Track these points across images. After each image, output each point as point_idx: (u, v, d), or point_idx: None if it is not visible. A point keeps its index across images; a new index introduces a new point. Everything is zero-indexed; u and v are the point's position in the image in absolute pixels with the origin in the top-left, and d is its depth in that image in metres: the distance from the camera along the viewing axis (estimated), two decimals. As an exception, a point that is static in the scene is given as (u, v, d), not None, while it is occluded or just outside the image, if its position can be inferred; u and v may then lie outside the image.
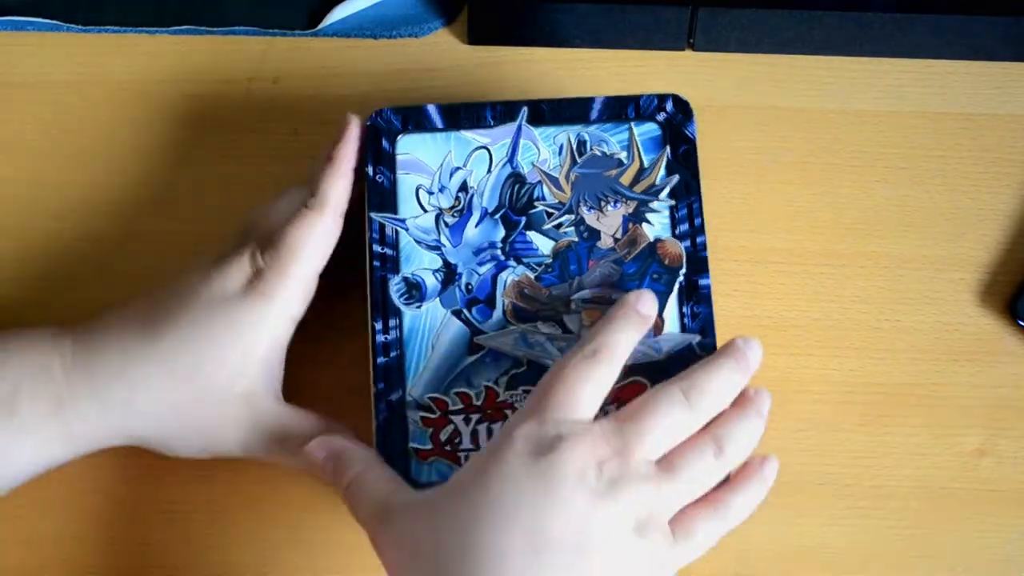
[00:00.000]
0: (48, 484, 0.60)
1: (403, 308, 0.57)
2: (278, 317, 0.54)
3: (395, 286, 0.57)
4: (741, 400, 0.53)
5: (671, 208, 0.58)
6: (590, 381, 0.51)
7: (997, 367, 0.63)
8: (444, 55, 0.68)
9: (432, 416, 0.55)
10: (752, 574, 0.60)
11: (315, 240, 0.55)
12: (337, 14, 0.68)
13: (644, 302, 0.54)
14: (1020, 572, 0.60)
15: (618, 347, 0.52)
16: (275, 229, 0.55)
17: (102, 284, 0.63)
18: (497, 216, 0.58)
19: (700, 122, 0.67)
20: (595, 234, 0.58)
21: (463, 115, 0.59)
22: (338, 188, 0.56)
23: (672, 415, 0.51)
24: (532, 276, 0.57)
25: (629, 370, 0.55)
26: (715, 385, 0.52)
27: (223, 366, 0.53)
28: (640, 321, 0.54)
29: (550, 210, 0.58)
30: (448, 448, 0.55)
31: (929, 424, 0.62)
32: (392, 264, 0.57)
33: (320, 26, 0.68)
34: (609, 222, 0.58)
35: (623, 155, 0.59)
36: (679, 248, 0.57)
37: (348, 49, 0.68)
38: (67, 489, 0.60)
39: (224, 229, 0.59)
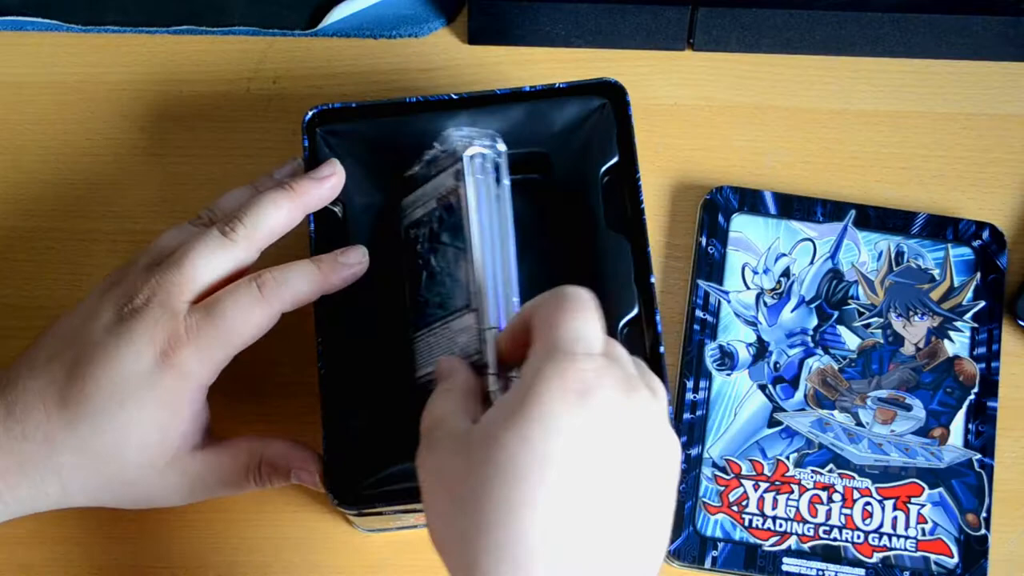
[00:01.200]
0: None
1: (715, 372, 0.61)
2: (194, 390, 0.52)
3: (711, 351, 0.61)
4: None
5: (973, 330, 0.62)
6: (587, 308, 0.46)
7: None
8: (444, 55, 0.68)
9: (725, 476, 0.60)
10: (752, 574, 0.60)
11: (249, 316, 0.52)
12: (337, 14, 0.68)
13: None
14: (1020, 572, 0.60)
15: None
16: (197, 281, 0.53)
17: (102, 284, 0.63)
18: (813, 306, 0.62)
19: (699, 121, 0.67)
20: (899, 340, 0.62)
21: (796, 206, 0.64)
22: (300, 285, 0.54)
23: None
24: (836, 367, 0.61)
25: (906, 472, 0.59)
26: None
27: (144, 447, 0.52)
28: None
29: (862, 309, 0.62)
30: (735, 508, 0.59)
31: (929, 424, 0.62)
32: (711, 331, 0.62)
33: (320, 26, 0.68)
34: (914, 331, 0.62)
35: (936, 272, 0.63)
36: (975, 369, 0.61)
37: (348, 49, 0.68)
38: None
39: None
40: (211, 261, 0.53)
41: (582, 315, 0.45)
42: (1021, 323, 0.63)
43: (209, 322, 0.52)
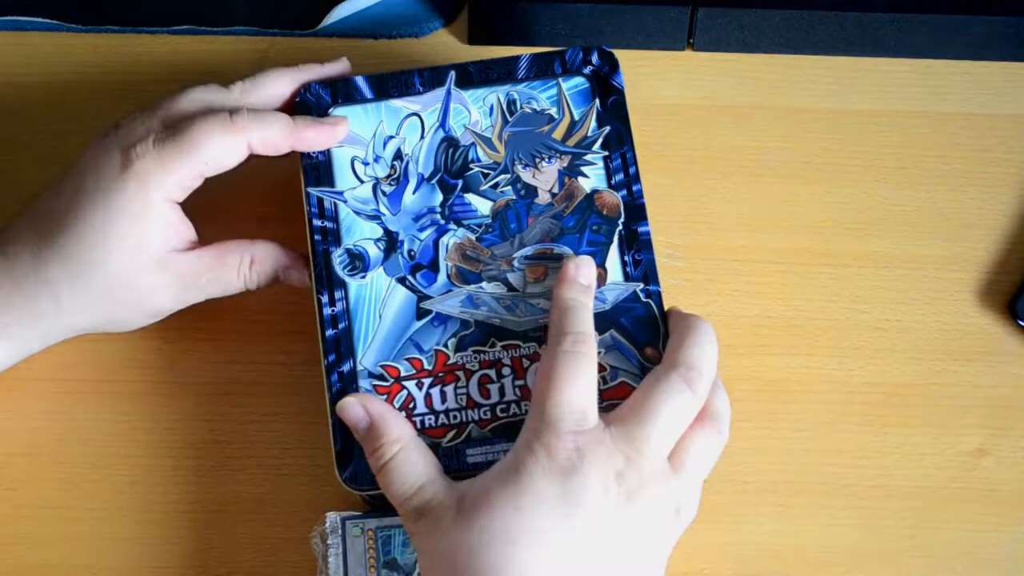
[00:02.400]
0: (48, 483, 0.60)
1: (347, 279, 0.57)
2: (158, 200, 0.55)
3: (338, 258, 0.57)
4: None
5: (605, 159, 0.59)
6: (580, 377, 0.51)
7: (997, 367, 0.63)
8: (444, 55, 0.68)
9: (385, 384, 0.56)
10: (752, 574, 0.60)
11: (212, 140, 0.55)
12: (337, 14, 0.68)
13: (583, 271, 0.54)
14: (1020, 572, 0.60)
15: (585, 327, 0.52)
16: (178, 121, 0.55)
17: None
18: (434, 181, 0.59)
19: (699, 121, 0.67)
20: (532, 191, 0.58)
21: (392, 84, 0.60)
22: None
23: (673, 404, 0.51)
24: (473, 237, 0.58)
25: (611, 371, 0.55)
26: (707, 363, 0.52)
27: (123, 252, 0.54)
28: (586, 290, 0.54)
29: (486, 171, 0.59)
30: (403, 413, 0.55)
31: (929, 424, 0.62)
32: (333, 237, 0.58)
33: (320, 26, 0.68)
34: (545, 178, 0.58)
35: (553, 111, 0.60)
36: (616, 198, 0.58)
37: (348, 49, 0.68)
38: (67, 489, 0.60)
39: (230, 234, 0.59)
40: (219, 145, 0.55)
41: (574, 386, 0.50)
42: (1021, 323, 0.63)
43: (174, 136, 0.54)
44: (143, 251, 0.54)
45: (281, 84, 0.59)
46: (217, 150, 0.55)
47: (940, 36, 0.67)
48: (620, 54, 0.68)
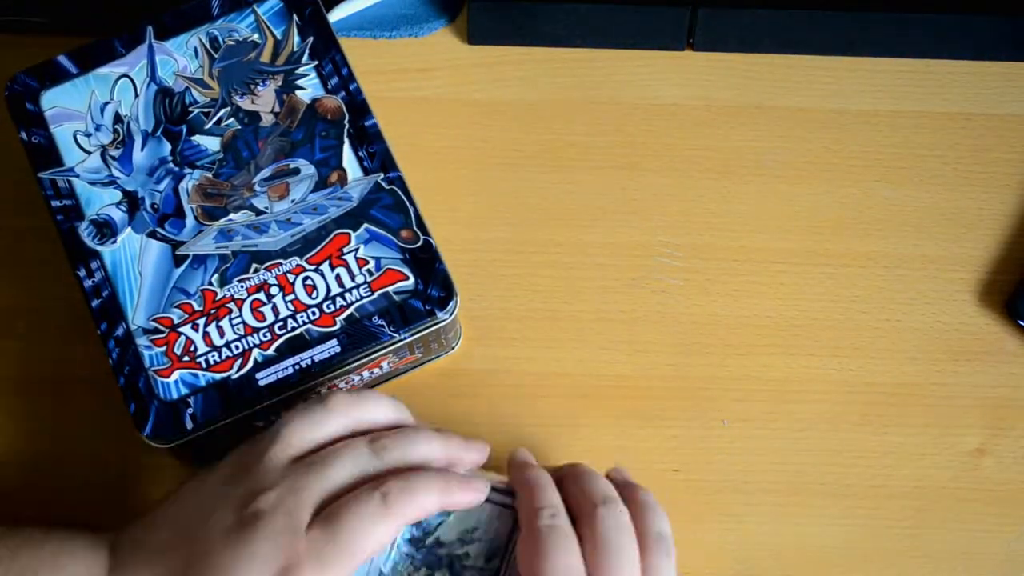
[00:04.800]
0: (48, 484, 0.60)
1: (99, 248, 0.58)
2: None
3: (84, 230, 0.59)
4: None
5: (316, 68, 0.61)
6: (566, 548, 0.50)
7: (997, 367, 0.63)
8: (444, 55, 0.68)
9: (161, 335, 0.57)
10: (752, 574, 0.60)
11: (375, 543, 0.50)
12: (337, 14, 0.68)
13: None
14: (1020, 572, 0.60)
15: (554, 500, 0.52)
16: (330, 494, 0.50)
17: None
18: (158, 133, 0.60)
19: (699, 121, 0.67)
20: (255, 116, 0.60)
21: (94, 54, 0.62)
22: (425, 501, 0.51)
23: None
24: (211, 175, 0.59)
25: (327, 229, 0.58)
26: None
27: None
28: (536, 467, 0.54)
29: (206, 110, 0.60)
30: (187, 358, 0.56)
31: (929, 424, 0.62)
32: (75, 212, 0.59)
33: (320, 26, 0.68)
34: (263, 101, 0.60)
35: (256, 37, 0.62)
36: (336, 101, 0.60)
37: (348, 49, 0.68)
38: (67, 489, 0.60)
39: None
40: (376, 539, 0.50)
41: (566, 556, 0.50)
42: (1021, 323, 0.63)
43: (331, 540, 0.49)
44: None
45: (431, 450, 0.53)
46: (376, 545, 0.49)
47: (940, 36, 0.67)
48: (620, 54, 0.68)
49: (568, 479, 0.54)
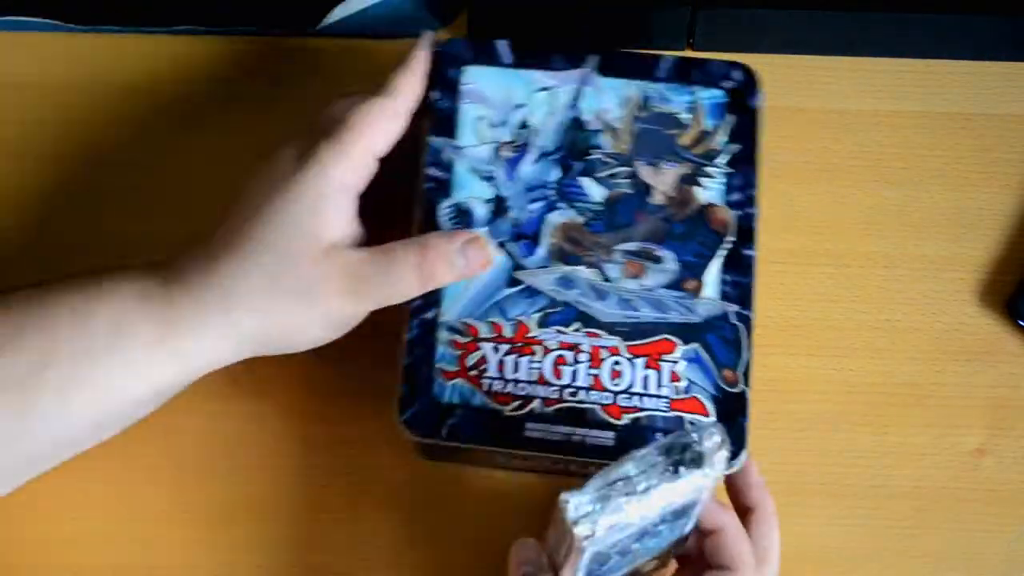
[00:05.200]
0: (47, 484, 0.60)
1: None
2: (333, 182, 0.53)
3: (444, 209, 0.58)
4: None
5: (727, 176, 0.58)
6: None
7: (997, 367, 0.63)
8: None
9: (463, 340, 0.56)
10: (752, 574, 0.60)
11: (376, 120, 0.55)
12: (337, 14, 0.68)
13: None
14: (1020, 572, 0.60)
15: None
16: (338, 118, 0.55)
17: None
18: (554, 158, 0.59)
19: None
20: (648, 189, 0.58)
21: (530, 55, 0.60)
22: (408, 83, 0.56)
23: None
24: (581, 221, 0.58)
25: (657, 328, 0.56)
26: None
27: (293, 237, 0.52)
28: None
29: (607, 159, 0.59)
30: (474, 373, 0.56)
31: (929, 424, 0.62)
32: (444, 188, 0.58)
33: (320, 26, 0.68)
34: (663, 180, 0.58)
35: (685, 116, 0.59)
36: (729, 215, 0.58)
37: (348, 49, 0.68)
38: (67, 489, 0.60)
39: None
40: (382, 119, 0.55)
41: None
42: (1021, 323, 0.63)
43: (343, 124, 0.54)
44: (314, 238, 0.53)
45: (417, 84, 0.58)
46: (382, 124, 0.55)
47: (940, 36, 0.67)
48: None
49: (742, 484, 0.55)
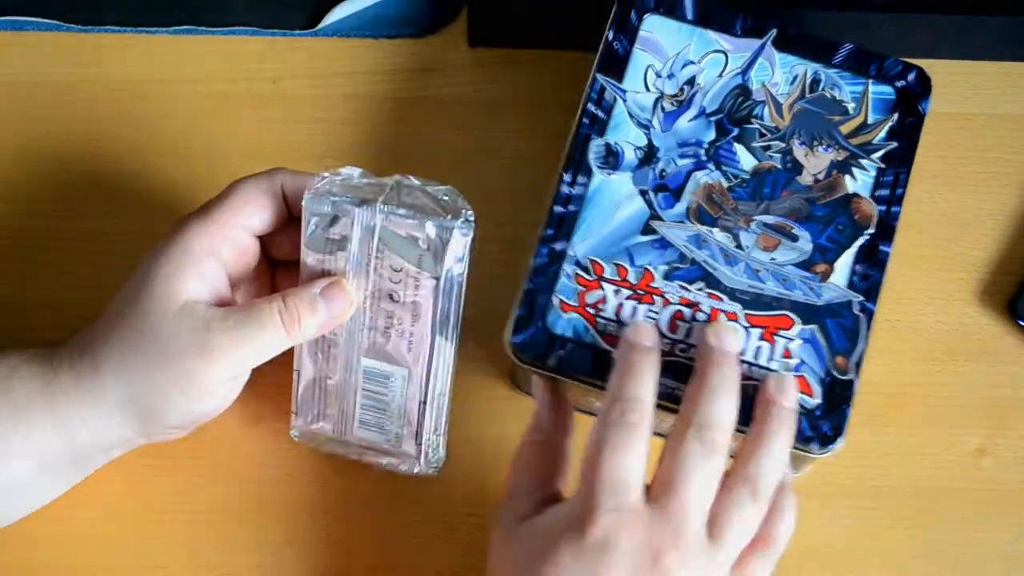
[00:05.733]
0: (48, 484, 0.60)
1: (596, 170, 0.58)
2: (194, 248, 0.54)
3: (596, 147, 0.59)
4: (763, 417, 0.53)
5: (879, 170, 0.59)
6: (627, 449, 0.50)
7: (997, 367, 0.63)
8: (444, 55, 0.68)
9: (587, 277, 0.57)
10: (752, 574, 0.60)
11: (249, 195, 0.55)
12: (337, 14, 0.68)
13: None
14: (1020, 572, 0.60)
15: (640, 393, 0.51)
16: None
17: (105, 283, 0.63)
18: (713, 119, 0.59)
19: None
20: (798, 168, 0.59)
21: (714, 16, 0.61)
22: (291, 177, 0.56)
23: (702, 470, 0.50)
24: (725, 185, 0.58)
25: (779, 303, 0.56)
26: (722, 415, 0.51)
27: (151, 295, 0.53)
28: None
29: (764, 131, 0.59)
30: (591, 311, 0.56)
31: (929, 424, 0.62)
32: (600, 127, 0.59)
33: (320, 26, 0.68)
34: (816, 162, 0.59)
35: (851, 105, 0.60)
36: (874, 209, 0.58)
37: (348, 49, 0.68)
38: (69, 490, 0.60)
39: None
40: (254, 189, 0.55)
41: (618, 459, 0.49)
42: (1021, 323, 0.63)
43: (217, 197, 0.56)
44: (170, 295, 0.53)
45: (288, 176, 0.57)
46: (254, 191, 0.55)
47: (940, 36, 0.67)
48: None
49: (696, 380, 0.52)
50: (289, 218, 0.56)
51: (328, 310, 0.54)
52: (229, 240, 0.54)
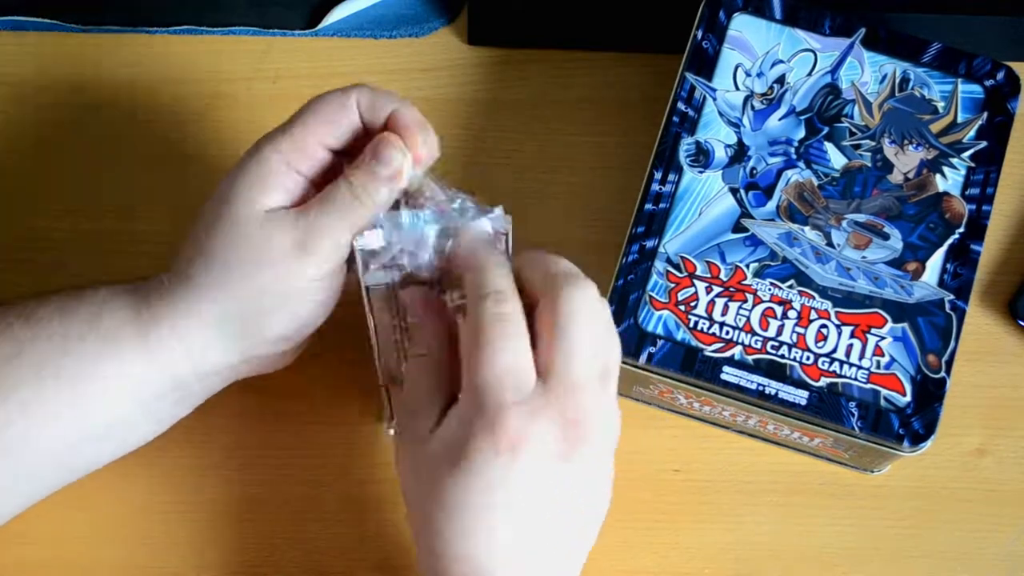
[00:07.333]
0: (48, 484, 0.60)
1: (687, 168, 0.59)
2: (272, 160, 0.54)
3: (686, 145, 0.60)
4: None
5: (969, 169, 0.60)
6: (511, 338, 0.48)
7: (997, 367, 0.63)
8: (444, 55, 0.68)
9: (678, 274, 0.58)
10: (752, 574, 0.60)
11: (324, 111, 0.54)
12: (337, 14, 0.68)
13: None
14: (1020, 572, 0.60)
15: (501, 283, 0.50)
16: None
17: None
18: (803, 117, 0.60)
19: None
20: (888, 166, 0.60)
21: (802, 15, 0.62)
22: (380, 93, 0.54)
23: (587, 328, 0.48)
24: (816, 183, 0.59)
25: (871, 301, 0.57)
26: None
27: (236, 204, 0.53)
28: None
29: (854, 130, 0.60)
30: (682, 308, 0.57)
31: (929, 424, 0.62)
32: (690, 125, 0.60)
33: (320, 26, 0.68)
34: (906, 161, 0.60)
35: (940, 104, 0.61)
36: (964, 208, 0.59)
37: (348, 49, 0.68)
38: (67, 489, 0.60)
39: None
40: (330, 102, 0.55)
41: (506, 350, 0.48)
42: (1021, 323, 0.63)
43: (296, 113, 0.55)
44: (255, 203, 0.53)
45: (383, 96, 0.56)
46: (329, 107, 0.54)
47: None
48: (619, 56, 0.68)
49: (524, 265, 0.51)
50: (364, 131, 0.55)
51: (384, 166, 0.53)
52: (307, 156, 0.54)
